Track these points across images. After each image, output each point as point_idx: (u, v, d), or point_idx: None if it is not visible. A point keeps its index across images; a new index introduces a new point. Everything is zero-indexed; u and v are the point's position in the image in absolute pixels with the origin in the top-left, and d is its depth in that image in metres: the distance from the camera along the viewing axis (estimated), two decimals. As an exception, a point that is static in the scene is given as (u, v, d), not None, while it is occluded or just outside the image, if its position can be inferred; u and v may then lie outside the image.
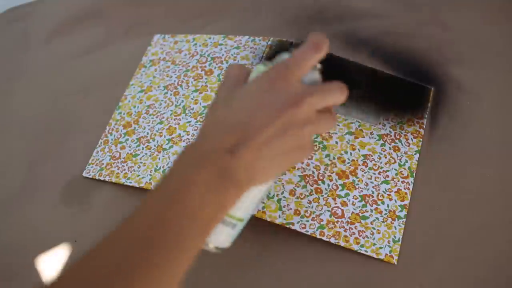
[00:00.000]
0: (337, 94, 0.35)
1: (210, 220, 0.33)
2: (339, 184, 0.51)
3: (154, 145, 0.58)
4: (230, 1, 0.71)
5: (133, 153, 0.58)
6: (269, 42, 0.60)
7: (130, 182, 0.56)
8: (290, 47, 0.35)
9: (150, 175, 0.55)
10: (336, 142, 0.53)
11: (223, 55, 0.62)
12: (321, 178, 0.52)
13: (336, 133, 0.54)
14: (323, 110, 0.35)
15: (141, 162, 0.57)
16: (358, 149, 0.53)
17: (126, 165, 0.57)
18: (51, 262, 0.54)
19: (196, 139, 0.35)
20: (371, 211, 0.50)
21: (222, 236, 0.39)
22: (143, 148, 0.58)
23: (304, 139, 0.34)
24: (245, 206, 0.38)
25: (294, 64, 0.35)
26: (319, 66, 0.38)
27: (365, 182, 0.51)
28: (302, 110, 0.33)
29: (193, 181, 0.32)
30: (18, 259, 0.55)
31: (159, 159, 0.56)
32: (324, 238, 0.49)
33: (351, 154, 0.53)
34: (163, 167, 0.55)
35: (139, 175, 0.56)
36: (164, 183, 0.34)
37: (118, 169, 0.58)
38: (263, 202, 0.51)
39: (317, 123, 0.35)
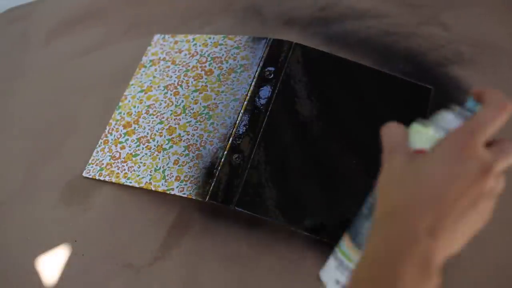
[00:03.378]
0: None
1: None
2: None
3: (154, 145, 0.58)
4: (230, 1, 0.71)
5: (133, 153, 0.58)
6: (269, 42, 0.60)
7: (130, 182, 0.56)
8: (451, 106, 0.33)
9: (150, 175, 0.55)
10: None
11: (223, 55, 0.62)
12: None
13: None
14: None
15: (141, 162, 0.57)
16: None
17: (126, 165, 0.57)
18: (51, 262, 0.54)
19: (384, 214, 0.33)
20: None
21: (331, 271, 0.38)
22: (143, 148, 0.58)
23: (487, 213, 0.33)
24: (360, 246, 0.37)
25: (479, 130, 0.32)
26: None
27: None
28: (488, 181, 0.31)
29: (399, 274, 0.30)
30: (18, 259, 0.55)
31: (159, 159, 0.56)
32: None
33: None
34: (163, 167, 0.55)
35: (139, 175, 0.56)
36: (374, 260, 0.32)
37: (118, 169, 0.58)
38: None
39: (499, 189, 0.33)
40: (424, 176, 0.32)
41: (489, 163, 0.32)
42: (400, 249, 0.30)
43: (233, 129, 0.55)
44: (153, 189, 0.54)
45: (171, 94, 0.61)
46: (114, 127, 0.61)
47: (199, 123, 0.57)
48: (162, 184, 0.54)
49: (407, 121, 0.56)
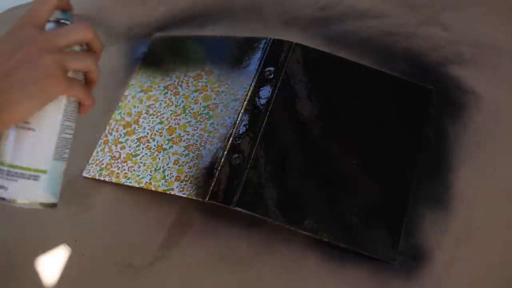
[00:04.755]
0: (79, 30, 0.39)
1: None
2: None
3: (154, 145, 0.58)
4: (230, 1, 0.71)
5: (133, 153, 0.58)
6: (269, 42, 0.60)
7: (130, 182, 0.56)
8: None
9: (150, 175, 0.55)
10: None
11: (223, 55, 0.62)
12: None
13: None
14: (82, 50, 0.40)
15: (141, 162, 0.57)
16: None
17: (126, 165, 0.57)
18: (51, 262, 0.54)
19: None
20: None
21: (28, 190, 0.39)
22: (143, 148, 0.58)
23: (48, 68, 0.36)
24: (38, 155, 0.38)
25: (28, 13, 0.39)
26: (57, 20, 0.41)
27: None
28: (37, 44, 0.37)
29: None
30: (18, 259, 0.55)
31: (159, 159, 0.56)
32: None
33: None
34: (163, 167, 0.55)
35: (139, 175, 0.56)
36: None
37: (118, 169, 0.58)
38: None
39: (62, 56, 0.37)
40: None
41: (34, 35, 0.37)
42: None
43: (233, 129, 0.55)
44: (153, 189, 0.54)
45: (171, 94, 0.61)
46: (114, 127, 0.61)
47: (199, 123, 0.57)
48: (162, 184, 0.54)
49: (407, 121, 0.56)
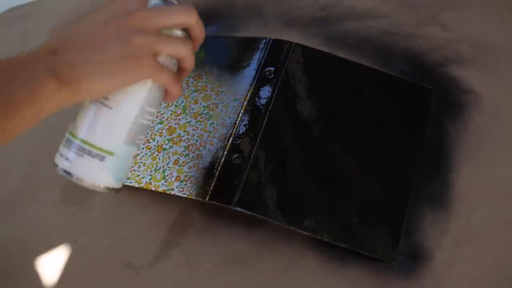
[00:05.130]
0: (180, 14, 0.36)
1: (19, 101, 0.33)
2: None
3: (154, 145, 0.58)
4: (230, 1, 0.71)
5: (133, 153, 0.58)
6: (269, 42, 0.60)
7: (130, 182, 0.56)
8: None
9: (150, 175, 0.55)
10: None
11: (223, 55, 0.62)
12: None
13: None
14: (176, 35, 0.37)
15: (141, 162, 0.57)
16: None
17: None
18: (51, 262, 0.54)
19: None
20: None
21: (91, 169, 0.37)
22: (143, 148, 0.58)
23: (137, 49, 0.34)
24: (108, 135, 0.37)
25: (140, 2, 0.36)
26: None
27: None
28: (132, 20, 0.34)
29: (24, 63, 0.34)
30: (18, 259, 0.55)
31: (159, 159, 0.56)
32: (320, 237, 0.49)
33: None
34: (163, 167, 0.55)
35: (139, 175, 0.56)
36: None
37: (118, 169, 0.58)
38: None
39: (155, 38, 0.35)
40: (86, 19, 0.37)
41: (132, 10, 0.35)
42: (27, 60, 0.34)
43: (233, 129, 0.55)
44: (153, 189, 0.54)
45: None
46: (114, 127, 0.61)
47: (199, 123, 0.57)
48: (162, 184, 0.54)
49: (407, 121, 0.56)
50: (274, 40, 0.60)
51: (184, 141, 0.57)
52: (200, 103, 0.59)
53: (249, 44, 0.61)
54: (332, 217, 0.50)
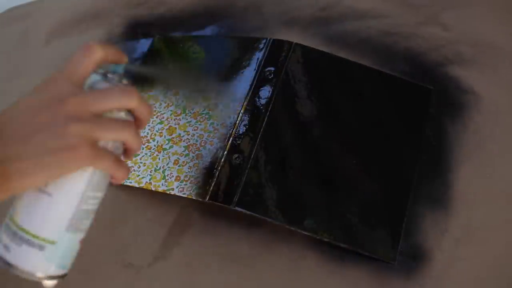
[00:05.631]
0: (118, 97, 0.34)
1: None
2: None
3: (154, 145, 0.58)
4: (230, 1, 0.71)
5: (133, 153, 0.58)
6: (269, 42, 0.60)
7: (130, 182, 0.56)
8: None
9: (150, 175, 0.55)
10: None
11: (223, 55, 0.62)
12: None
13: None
14: (118, 118, 0.35)
15: (141, 162, 0.57)
16: None
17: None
18: (51, 262, 0.54)
19: None
20: None
21: (30, 257, 0.34)
22: (143, 148, 0.58)
23: (72, 139, 0.32)
24: (48, 223, 0.34)
25: (67, 66, 0.35)
26: (106, 71, 0.36)
27: None
28: (66, 107, 0.32)
29: None
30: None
31: (159, 159, 0.56)
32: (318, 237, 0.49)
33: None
34: (163, 167, 0.55)
35: (139, 175, 0.56)
36: None
37: (118, 169, 0.57)
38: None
39: (91, 126, 0.33)
40: (17, 106, 0.34)
41: (64, 94, 0.33)
42: None
43: (233, 129, 0.55)
44: (153, 189, 0.54)
45: (171, 94, 0.61)
46: (114, 127, 0.61)
47: (199, 123, 0.57)
48: (162, 184, 0.54)
49: (407, 121, 0.56)
50: (274, 40, 0.60)
51: (184, 141, 0.57)
52: (200, 103, 0.59)
53: (249, 44, 0.61)
54: (332, 217, 0.50)
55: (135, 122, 0.36)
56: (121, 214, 0.57)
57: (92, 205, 0.36)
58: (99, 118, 0.34)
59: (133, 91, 0.35)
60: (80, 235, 0.37)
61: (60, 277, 0.36)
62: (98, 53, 0.35)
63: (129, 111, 0.35)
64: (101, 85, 0.35)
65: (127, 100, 0.34)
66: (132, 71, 0.39)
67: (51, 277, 0.35)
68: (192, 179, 0.53)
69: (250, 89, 0.57)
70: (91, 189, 0.35)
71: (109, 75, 0.36)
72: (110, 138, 0.34)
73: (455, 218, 0.50)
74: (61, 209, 0.34)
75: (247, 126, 0.55)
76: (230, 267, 0.51)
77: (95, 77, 0.35)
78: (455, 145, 0.54)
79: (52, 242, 0.35)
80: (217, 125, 0.56)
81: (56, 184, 0.34)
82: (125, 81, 0.37)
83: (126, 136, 0.35)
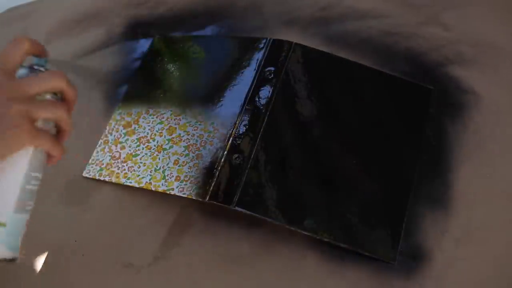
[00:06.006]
0: (50, 79, 0.38)
1: None
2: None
3: (154, 145, 0.58)
4: (230, 1, 0.71)
5: (133, 153, 0.58)
6: (269, 42, 0.60)
7: (130, 182, 0.56)
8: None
9: (150, 175, 0.55)
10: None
11: (223, 55, 0.62)
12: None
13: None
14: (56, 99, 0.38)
15: (141, 162, 0.57)
16: None
17: (126, 165, 0.57)
18: (51, 262, 0.54)
19: None
20: None
21: None
22: (143, 148, 0.58)
23: (14, 119, 0.35)
24: None
25: (0, 58, 0.38)
26: (31, 65, 0.39)
27: None
28: (5, 92, 0.35)
29: None
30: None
31: (159, 159, 0.56)
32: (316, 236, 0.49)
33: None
34: (163, 167, 0.55)
35: (139, 175, 0.56)
36: None
37: (118, 169, 0.58)
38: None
39: (30, 105, 0.36)
40: None
41: (2, 82, 0.36)
42: None
43: (233, 129, 0.55)
44: (153, 189, 0.54)
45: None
46: (114, 127, 0.61)
47: (199, 123, 0.57)
48: (162, 184, 0.54)
49: (407, 121, 0.56)
50: (274, 40, 0.60)
51: (184, 141, 0.57)
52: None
53: (249, 44, 0.61)
54: (332, 217, 0.50)
55: (65, 104, 0.40)
56: (121, 214, 0.57)
57: (34, 185, 0.38)
58: (36, 100, 0.37)
59: (61, 74, 0.38)
60: (26, 216, 0.39)
61: (11, 260, 0.37)
62: (26, 45, 0.39)
63: (56, 94, 0.39)
64: (29, 76, 0.39)
65: (58, 81, 0.38)
66: (66, 66, 0.42)
67: (4, 259, 0.37)
68: (192, 179, 0.53)
69: (250, 89, 0.57)
70: (32, 168, 0.37)
71: (35, 68, 0.39)
72: (46, 116, 0.37)
73: (455, 218, 0.50)
74: (7, 190, 0.36)
75: (247, 126, 0.55)
76: (230, 267, 0.51)
77: (23, 71, 0.39)
78: (455, 145, 0.54)
79: (3, 224, 0.36)
80: (217, 125, 0.56)
81: (0, 166, 0.36)
82: None
83: (59, 114, 0.38)
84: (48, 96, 0.38)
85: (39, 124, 0.37)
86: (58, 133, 0.40)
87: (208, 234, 0.53)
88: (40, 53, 0.40)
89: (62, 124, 0.39)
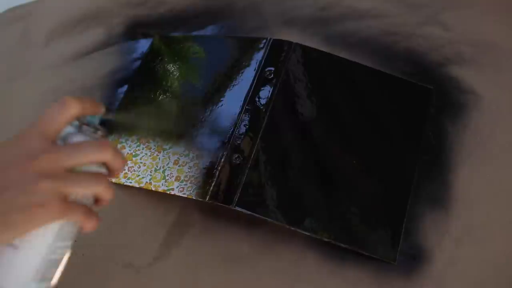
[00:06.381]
0: (92, 151, 0.34)
1: None
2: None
3: (154, 145, 0.58)
4: (230, 1, 0.71)
5: (133, 153, 0.58)
6: (269, 42, 0.60)
7: (130, 182, 0.56)
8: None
9: (150, 175, 0.55)
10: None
11: (223, 55, 0.62)
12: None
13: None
14: (90, 172, 0.34)
15: (141, 162, 0.57)
16: None
17: (126, 165, 0.57)
18: (51, 262, 0.54)
19: None
20: None
21: None
22: (143, 148, 0.58)
23: (42, 196, 0.31)
24: (13, 276, 0.33)
25: (40, 121, 0.34)
26: (80, 124, 0.35)
27: None
28: (37, 164, 0.32)
29: None
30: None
31: (159, 159, 0.56)
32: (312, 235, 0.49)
33: None
34: (163, 167, 0.55)
35: (139, 175, 0.56)
36: None
37: (118, 169, 0.57)
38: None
39: (63, 181, 0.32)
40: None
41: (36, 150, 0.32)
42: None
43: (233, 129, 0.55)
44: (153, 189, 0.54)
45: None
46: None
47: (199, 123, 0.57)
48: (162, 184, 0.54)
49: (407, 121, 0.56)
50: (274, 40, 0.60)
51: (184, 141, 0.57)
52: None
53: (249, 44, 0.61)
54: (332, 217, 0.50)
55: (108, 173, 0.36)
56: (121, 214, 0.57)
57: (60, 254, 0.36)
58: (71, 173, 0.33)
59: (106, 145, 0.34)
60: (48, 283, 0.36)
61: None
62: (74, 109, 0.34)
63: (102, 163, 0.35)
64: (75, 138, 0.35)
65: (100, 154, 0.34)
66: (109, 121, 0.38)
67: None
68: (192, 179, 0.53)
69: (250, 89, 0.57)
70: (59, 239, 0.34)
71: (84, 127, 0.35)
72: (82, 192, 0.34)
73: (455, 218, 0.50)
74: (27, 260, 0.34)
75: (247, 126, 0.55)
76: (230, 267, 0.51)
77: (69, 129, 0.35)
78: (455, 145, 0.54)
79: None
80: (217, 125, 0.56)
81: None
82: (100, 132, 0.36)
83: (97, 189, 0.34)
84: (91, 167, 0.35)
85: (73, 196, 0.34)
86: (95, 202, 0.37)
87: (208, 234, 0.53)
88: (92, 112, 0.36)
89: (100, 197, 0.36)
